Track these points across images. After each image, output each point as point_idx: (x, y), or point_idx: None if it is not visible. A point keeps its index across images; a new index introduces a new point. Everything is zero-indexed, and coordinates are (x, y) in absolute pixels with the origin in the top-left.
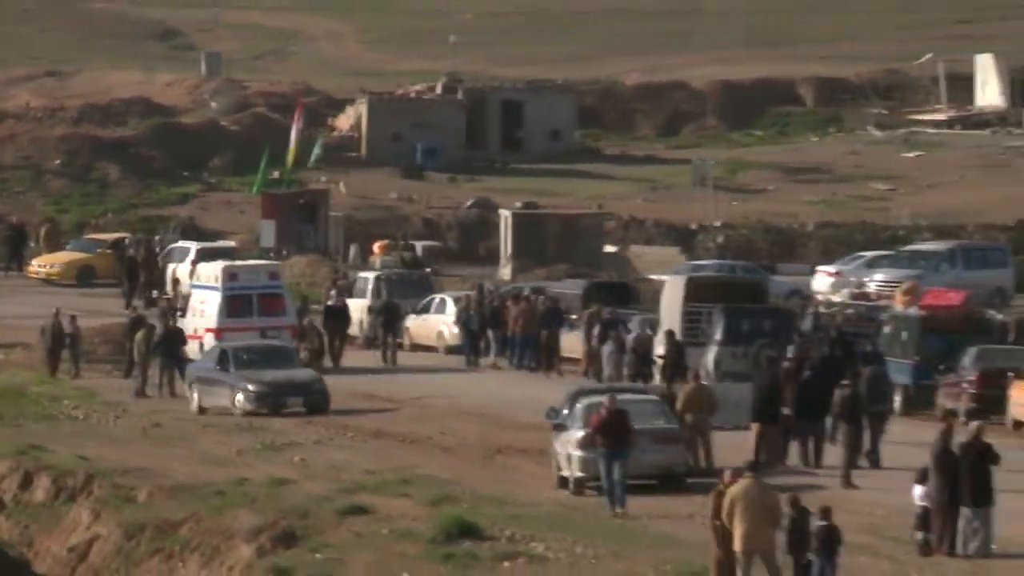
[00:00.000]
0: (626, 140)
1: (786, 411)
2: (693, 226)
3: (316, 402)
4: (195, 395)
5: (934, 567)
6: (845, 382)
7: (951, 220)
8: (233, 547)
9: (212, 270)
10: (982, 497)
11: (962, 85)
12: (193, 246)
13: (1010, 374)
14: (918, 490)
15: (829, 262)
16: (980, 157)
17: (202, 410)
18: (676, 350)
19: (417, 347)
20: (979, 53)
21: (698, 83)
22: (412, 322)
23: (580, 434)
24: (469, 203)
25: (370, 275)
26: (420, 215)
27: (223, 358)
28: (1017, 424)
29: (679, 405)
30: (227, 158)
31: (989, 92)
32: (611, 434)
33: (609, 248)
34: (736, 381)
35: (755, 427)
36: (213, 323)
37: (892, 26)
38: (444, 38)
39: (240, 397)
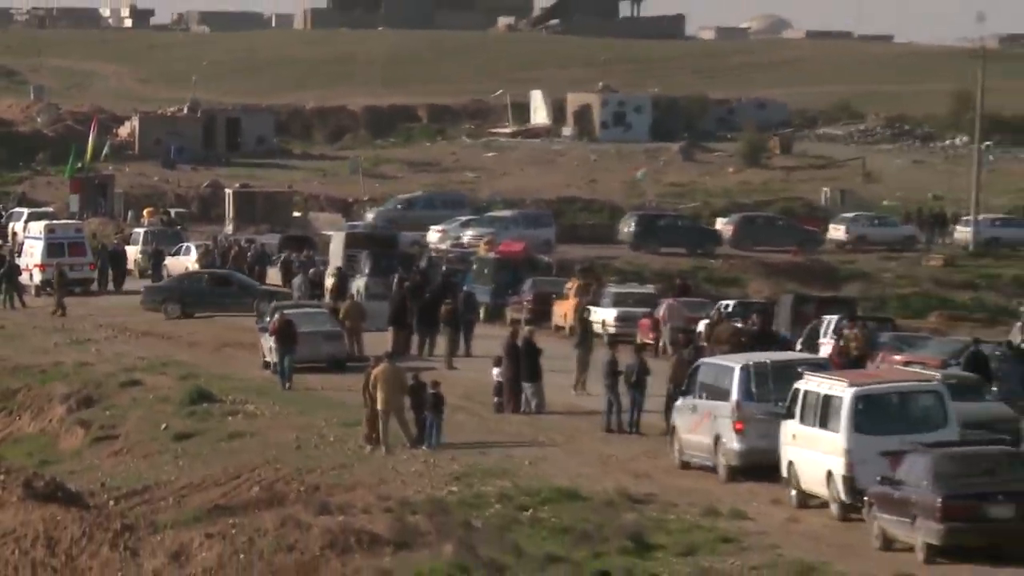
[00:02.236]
0: (307, 144)
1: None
2: (350, 200)
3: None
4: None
5: (505, 420)
6: (448, 300)
7: (516, 197)
8: (52, 407)
9: (38, 226)
10: (534, 375)
11: (522, 110)
12: (26, 211)
13: (553, 296)
14: (495, 370)
15: (438, 223)
16: (534, 157)
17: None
18: (341, 279)
19: (171, 276)
20: (532, 89)
21: (353, 107)
22: (169, 260)
23: None
24: (205, 184)
25: (141, 230)
26: (173, 192)
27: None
28: (557, 328)
29: (341, 315)
30: (48, 154)
31: (539, 115)
32: (285, 336)
33: (296, 213)
34: (378, 300)
35: (391, 329)
36: (39, 260)
37: (478, 71)
38: (188, 77)
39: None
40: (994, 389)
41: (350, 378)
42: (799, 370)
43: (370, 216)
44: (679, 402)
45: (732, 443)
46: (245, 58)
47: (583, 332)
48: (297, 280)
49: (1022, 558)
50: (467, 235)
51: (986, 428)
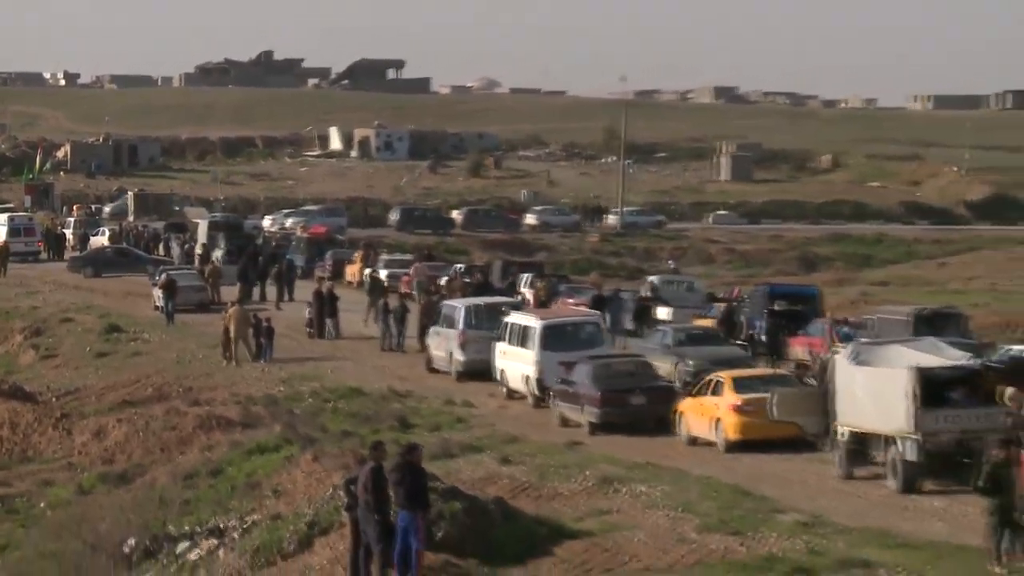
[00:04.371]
0: (182, 162)
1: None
2: (211, 199)
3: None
4: (88, 270)
5: (314, 343)
6: (276, 264)
7: (320, 197)
8: (14, 335)
9: (2, 217)
10: (334, 313)
11: (324, 140)
12: None
13: (345, 262)
14: (307, 310)
15: (271, 213)
16: (332, 171)
17: (96, 276)
18: (206, 252)
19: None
20: (331, 126)
21: (212, 138)
22: (91, 240)
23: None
24: (115, 189)
25: (72, 219)
26: (94, 193)
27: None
28: (348, 283)
29: (206, 275)
30: (8, 169)
31: (335, 143)
32: (168, 289)
33: (176, 208)
34: (230, 264)
35: (239, 284)
36: (3, 239)
37: (295, 114)
38: (103, 118)
39: None
40: (607, 319)
41: (211, 316)
42: (503, 309)
43: (107, 208)
44: (431, 330)
45: (459, 356)
46: (141, 105)
47: (371, 284)
48: (176, 252)
49: (648, 430)
50: (289, 222)
51: (726, 364)
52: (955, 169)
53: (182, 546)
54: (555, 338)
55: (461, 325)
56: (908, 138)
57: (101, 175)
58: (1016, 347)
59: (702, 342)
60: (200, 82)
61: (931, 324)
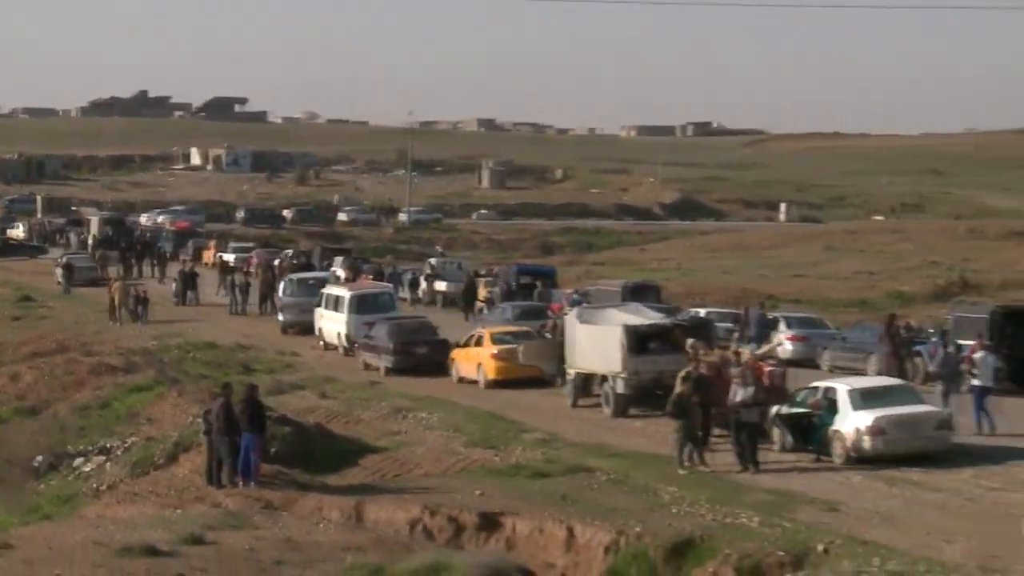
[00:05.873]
0: (80, 174)
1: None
2: (101, 202)
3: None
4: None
5: (180, 309)
6: (152, 250)
7: (187, 200)
8: None
9: None
10: (194, 286)
11: (187, 157)
12: None
13: (203, 249)
14: (174, 285)
15: (147, 212)
16: (193, 180)
17: None
18: (96, 241)
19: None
20: (191, 147)
21: (102, 155)
22: (9, 231)
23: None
24: (43, 193)
25: (21, 225)
26: (9, 198)
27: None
28: (205, 264)
29: (96, 259)
30: None
31: (195, 159)
32: (67, 269)
33: (74, 208)
34: (113, 250)
35: (121, 265)
36: None
37: (166, 137)
38: (17, 140)
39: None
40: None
41: (100, 290)
42: (310, 282)
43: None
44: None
45: (279, 317)
46: (47, 131)
47: (222, 265)
48: (74, 241)
49: (429, 372)
50: (160, 218)
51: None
52: (652, 179)
53: (78, 461)
54: (360, 304)
55: (281, 294)
56: (618, 157)
57: (16, 183)
58: (696, 309)
59: (536, 316)
60: (92, 113)
61: (635, 293)
